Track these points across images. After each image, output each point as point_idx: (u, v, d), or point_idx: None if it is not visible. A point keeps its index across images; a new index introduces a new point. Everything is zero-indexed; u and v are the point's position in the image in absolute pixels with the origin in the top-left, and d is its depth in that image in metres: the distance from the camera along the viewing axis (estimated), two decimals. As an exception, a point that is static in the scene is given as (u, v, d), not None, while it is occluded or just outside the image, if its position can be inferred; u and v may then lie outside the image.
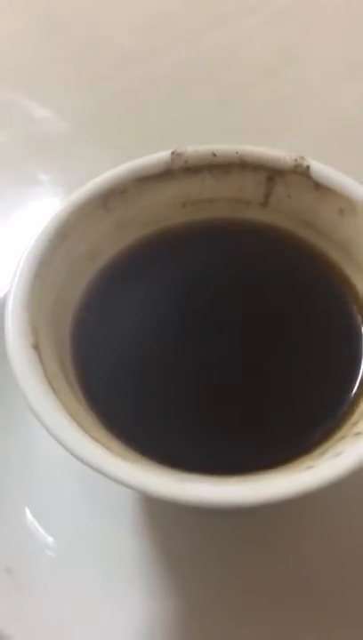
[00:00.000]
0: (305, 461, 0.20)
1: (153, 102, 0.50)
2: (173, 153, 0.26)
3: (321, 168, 0.25)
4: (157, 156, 0.26)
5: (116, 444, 0.21)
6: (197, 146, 0.26)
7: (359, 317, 0.25)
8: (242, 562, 0.26)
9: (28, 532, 0.26)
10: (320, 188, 0.25)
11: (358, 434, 0.20)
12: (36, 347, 0.21)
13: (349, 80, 0.51)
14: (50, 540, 0.26)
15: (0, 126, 0.48)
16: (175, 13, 0.57)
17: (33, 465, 0.28)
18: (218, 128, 0.48)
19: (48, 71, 0.52)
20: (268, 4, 0.57)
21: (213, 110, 0.49)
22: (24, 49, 0.54)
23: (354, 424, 0.21)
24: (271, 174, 0.26)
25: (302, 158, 0.26)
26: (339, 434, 0.21)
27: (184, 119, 0.49)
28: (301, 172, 0.26)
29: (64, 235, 0.24)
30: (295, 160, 0.26)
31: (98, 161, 0.46)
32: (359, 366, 0.24)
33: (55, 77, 0.52)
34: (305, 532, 0.26)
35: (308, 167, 0.25)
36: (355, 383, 0.23)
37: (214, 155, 0.26)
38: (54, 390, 0.21)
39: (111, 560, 0.26)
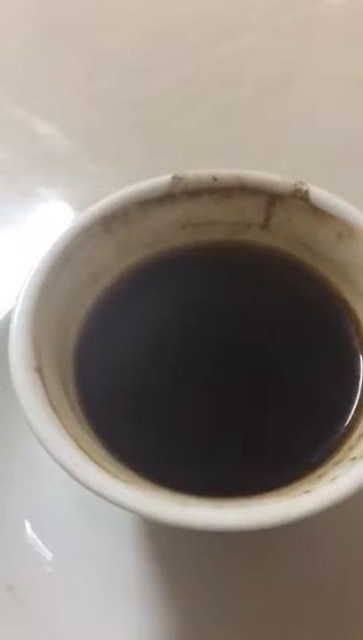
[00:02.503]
0: (304, 485, 0.21)
1: (156, 118, 0.51)
2: (174, 177, 0.26)
3: (320, 193, 0.26)
4: (158, 180, 0.26)
5: (117, 466, 0.21)
6: (198, 170, 0.27)
7: (357, 340, 0.25)
8: (243, 580, 0.26)
9: (29, 551, 0.27)
10: (319, 213, 0.26)
11: (353, 459, 0.20)
12: (38, 369, 0.22)
13: (350, 97, 0.51)
14: (51, 557, 0.27)
15: (3, 143, 0.49)
16: (177, 30, 0.57)
17: (34, 482, 0.28)
18: (220, 144, 0.49)
19: (51, 88, 0.53)
20: (269, 21, 0.58)
21: (216, 126, 0.50)
22: (27, 65, 0.55)
23: (351, 448, 0.22)
24: (271, 198, 0.27)
25: (302, 183, 0.26)
26: (336, 457, 0.22)
27: (187, 135, 0.49)
28: (300, 197, 0.26)
29: (67, 258, 0.25)
30: (294, 185, 0.26)
31: (102, 177, 0.46)
32: (357, 389, 0.24)
33: (58, 94, 0.53)
34: (305, 548, 0.26)
35: (307, 192, 0.26)
36: (352, 406, 0.24)
37: (215, 179, 0.27)
38: (56, 412, 0.21)
39: (112, 577, 0.26)
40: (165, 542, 0.27)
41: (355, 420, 0.23)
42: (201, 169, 0.44)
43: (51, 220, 0.44)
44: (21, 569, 0.26)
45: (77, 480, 0.19)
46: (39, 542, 0.27)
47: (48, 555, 0.27)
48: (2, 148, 0.49)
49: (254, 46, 0.56)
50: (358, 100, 0.51)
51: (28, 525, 0.27)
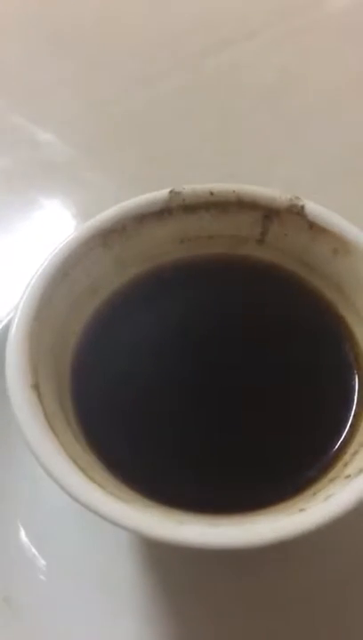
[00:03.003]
0: (298, 502, 0.21)
1: (156, 126, 0.51)
2: (171, 192, 0.27)
3: (315, 208, 0.26)
4: (155, 195, 0.27)
5: (112, 483, 0.22)
6: (195, 185, 0.27)
7: (352, 355, 0.25)
8: (240, 592, 0.26)
9: (25, 561, 0.27)
10: (315, 228, 0.26)
11: (348, 476, 0.20)
12: (35, 386, 0.22)
13: (348, 105, 0.51)
14: (47, 568, 0.27)
15: (4, 151, 0.49)
16: (176, 39, 0.57)
17: (31, 493, 0.28)
18: (218, 152, 0.49)
19: (52, 96, 0.53)
20: (268, 29, 0.58)
21: (214, 135, 0.50)
22: (28, 74, 0.55)
23: (345, 465, 0.22)
24: (267, 213, 0.27)
25: (298, 198, 0.26)
26: (331, 474, 0.22)
27: (186, 142, 0.49)
28: (296, 212, 0.26)
29: (64, 273, 0.25)
30: (290, 200, 0.26)
31: (102, 185, 0.47)
32: (352, 405, 0.24)
33: (59, 102, 0.53)
34: (302, 562, 0.27)
35: (302, 207, 0.26)
36: (347, 422, 0.24)
37: (212, 194, 0.27)
38: (53, 430, 0.21)
39: (109, 588, 0.27)
40: (162, 553, 0.27)
41: (350, 436, 0.23)
42: (199, 178, 0.44)
43: (50, 228, 0.45)
44: (18, 580, 0.26)
45: (73, 498, 0.19)
46: (35, 553, 0.27)
47: (44, 565, 0.27)
48: (2, 155, 0.49)
49: (253, 55, 0.56)
50: (358, 109, 0.51)
51: (24, 537, 0.27)
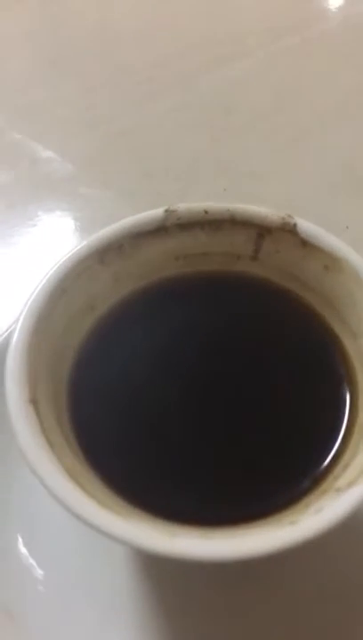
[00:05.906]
0: (290, 514, 0.21)
1: (153, 143, 0.52)
2: (166, 210, 0.27)
3: (307, 226, 0.27)
4: (151, 214, 0.27)
5: (107, 495, 0.22)
6: (190, 204, 0.27)
7: (343, 369, 0.26)
8: (237, 606, 0.26)
9: (25, 572, 0.27)
10: (307, 245, 0.27)
11: (338, 489, 0.21)
12: (33, 400, 0.22)
13: (341, 123, 0.52)
14: (47, 578, 0.27)
15: (4, 167, 0.50)
16: (173, 57, 0.59)
17: (31, 504, 0.29)
18: (213, 168, 0.50)
19: (52, 113, 0.54)
20: (262, 48, 0.59)
21: (210, 150, 0.51)
22: (28, 92, 0.56)
23: (336, 478, 0.22)
24: (260, 231, 0.27)
25: (290, 216, 0.27)
26: (322, 486, 0.22)
27: (182, 159, 0.50)
28: (288, 230, 0.27)
29: (62, 290, 0.25)
30: (283, 218, 0.27)
31: (101, 201, 0.47)
32: (343, 418, 0.25)
33: (59, 119, 0.54)
34: (300, 575, 0.27)
35: (295, 225, 0.27)
36: (338, 435, 0.24)
37: (206, 212, 0.27)
38: (49, 443, 0.21)
39: (108, 600, 0.27)
40: (159, 564, 0.27)
41: (341, 450, 0.24)
42: (194, 193, 0.45)
43: (50, 243, 0.45)
44: (17, 591, 0.26)
45: (67, 510, 0.20)
46: (34, 564, 0.27)
47: (44, 576, 0.27)
48: (2, 171, 0.50)
49: (247, 73, 0.57)
50: (351, 127, 0.52)
51: (23, 548, 0.28)
